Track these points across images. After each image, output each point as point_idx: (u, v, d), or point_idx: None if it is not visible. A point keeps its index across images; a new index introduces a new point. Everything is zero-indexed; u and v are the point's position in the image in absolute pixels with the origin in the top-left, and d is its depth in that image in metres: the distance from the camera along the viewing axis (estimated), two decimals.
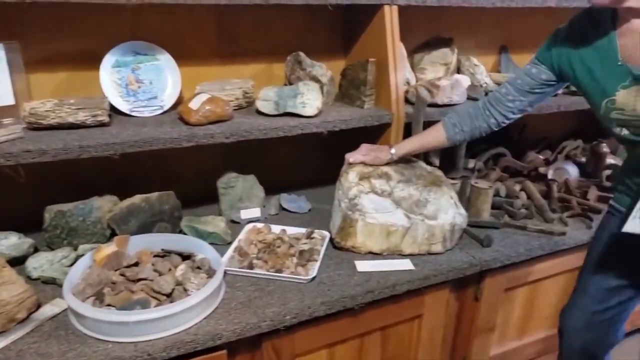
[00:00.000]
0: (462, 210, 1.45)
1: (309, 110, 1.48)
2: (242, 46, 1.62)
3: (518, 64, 2.06)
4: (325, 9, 1.48)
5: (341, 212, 1.40)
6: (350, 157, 1.46)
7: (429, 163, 1.73)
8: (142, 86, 1.45)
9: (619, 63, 1.10)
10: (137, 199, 1.43)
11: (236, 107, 1.53)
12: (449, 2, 1.59)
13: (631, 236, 1.10)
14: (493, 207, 1.65)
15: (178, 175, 1.63)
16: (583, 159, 2.06)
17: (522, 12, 1.94)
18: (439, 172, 1.54)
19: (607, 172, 1.92)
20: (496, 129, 1.38)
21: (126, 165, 1.39)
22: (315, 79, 1.58)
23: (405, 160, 1.52)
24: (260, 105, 1.50)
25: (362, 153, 1.46)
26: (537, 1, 1.75)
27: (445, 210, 1.41)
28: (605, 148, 1.99)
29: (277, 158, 1.77)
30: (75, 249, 1.35)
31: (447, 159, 1.68)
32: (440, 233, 1.40)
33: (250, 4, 1.34)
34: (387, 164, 1.47)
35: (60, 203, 1.37)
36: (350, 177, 1.42)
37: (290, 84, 1.63)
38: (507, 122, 1.37)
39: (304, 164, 1.83)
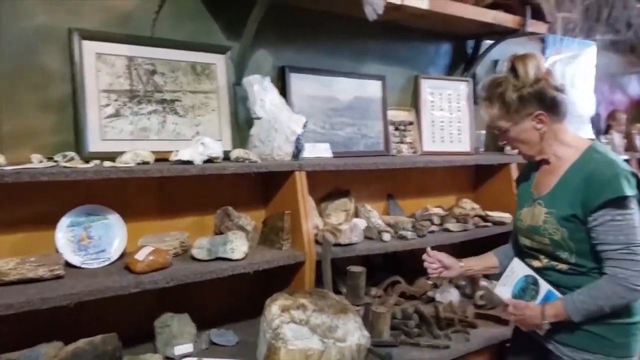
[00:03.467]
0: (366, 332, 1.76)
1: (238, 255, 1.79)
2: (179, 204, 1.95)
3: (403, 207, 2.56)
4: (249, 173, 1.88)
5: (266, 342, 1.66)
6: (446, 273, 1.82)
7: (338, 292, 2.07)
8: (92, 241, 1.70)
9: (530, 190, 1.62)
10: (81, 342, 1.59)
11: (174, 255, 1.81)
12: (345, 167, 2.07)
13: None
14: (392, 327, 1.98)
15: (118, 316, 1.81)
16: (462, 283, 2.50)
17: (403, 169, 2.49)
18: (346, 301, 1.87)
19: (480, 292, 2.36)
20: None
21: (72, 312, 1.56)
22: (241, 228, 1.93)
23: (317, 293, 1.85)
24: (196, 252, 1.79)
25: (452, 270, 1.81)
26: (409, 164, 2.30)
27: (352, 333, 1.72)
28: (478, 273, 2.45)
29: (207, 295, 2.01)
30: None
31: (351, 289, 2.03)
32: (349, 353, 1.69)
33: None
34: (303, 297, 1.79)
35: (7, 352, 1.51)
36: (273, 310, 1.70)
37: (220, 232, 1.95)
38: None
39: (232, 300, 2.08)
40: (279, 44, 2.18)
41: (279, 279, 2.00)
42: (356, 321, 1.77)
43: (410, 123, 2.63)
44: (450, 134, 2.70)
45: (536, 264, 1.57)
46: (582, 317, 1.41)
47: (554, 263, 1.51)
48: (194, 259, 1.79)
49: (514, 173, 2.67)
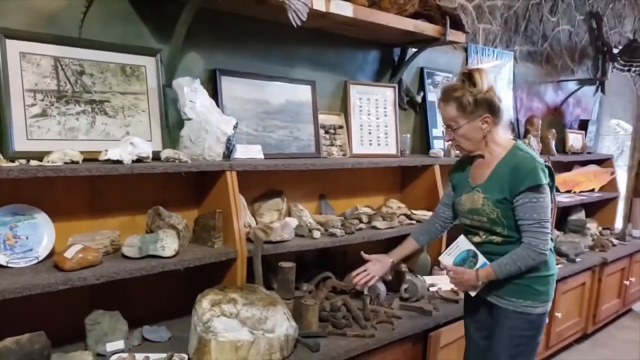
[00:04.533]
0: (294, 323, 1.85)
1: (168, 252, 1.83)
2: (110, 203, 1.97)
3: (334, 207, 2.68)
4: (180, 173, 1.93)
5: (197, 335, 1.71)
6: (370, 282, 2.12)
7: (270, 288, 2.15)
8: (19, 241, 1.69)
9: (468, 180, 1.95)
10: (7, 341, 1.58)
11: (105, 254, 1.82)
12: (275, 167, 2.16)
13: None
14: (321, 319, 2.08)
15: (48, 315, 1.79)
16: (389, 277, 2.64)
17: (334, 171, 2.61)
18: (276, 295, 1.96)
19: (405, 286, 2.50)
20: (443, 229, 2.19)
21: None
22: (172, 227, 1.97)
23: (248, 287, 1.92)
24: (126, 250, 1.82)
25: (372, 272, 2.11)
26: (338, 165, 2.42)
27: (281, 324, 1.80)
28: (404, 268, 2.61)
29: (141, 293, 2.03)
30: None
31: (282, 284, 2.12)
32: (277, 344, 1.77)
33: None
34: (234, 292, 1.85)
35: None
36: (203, 304, 1.76)
37: (152, 231, 1.98)
38: (447, 225, 2.18)
39: (165, 297, 2.11)
40: (209, 47, 2.24)
41: (211, 275, 2.05)
42: (285, 313, 1.85)
43: (340, 127, 2.75)
44: (377, 137, 2.85)
45: (476, 239, 1.93)
46: (505, 276, 1.82)
47: (491, 237, 1.88)
48: (124, 257, 1.81)
49: (438, 174, 2.85)
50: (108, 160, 1.75)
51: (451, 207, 2.12)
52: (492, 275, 1.83)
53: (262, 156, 2.31)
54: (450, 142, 1.91)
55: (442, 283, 2.69)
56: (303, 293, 2.28)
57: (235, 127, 2.10)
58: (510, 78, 3.97)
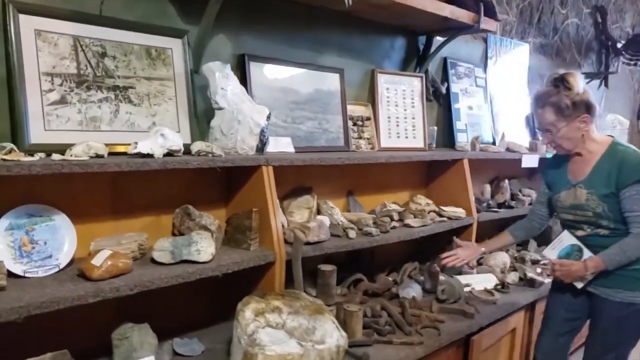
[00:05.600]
0: (344, 333, 1.68)
1: (204, 257, 1.64)
2: (134, 202, 1.76)
3: (362, 204, 2.52)
4: (211, 168, 1.73)
5: (241, 349, 1.53)
6: (457, 265, 2.26)
7: (308, 294, 1.97)
8: (37, 247, 1.48)
9: (567, 177, 1.99)
10: None
11: (132, 259, 1.62)
12: (310, 162, 1.98)
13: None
14: (363, 326, 1.92)
15: (70, 330, 1.59)
16: (421, 278, 2.50)
17: (362, 165, 2.44)
18: (319, 301, 1.78)
19: (442, 287, 2.36)
20: (541, 227, 2.21)
21: (15, 328, 1.34)
22: (204, 228, 1.77)
23: (289, 294, 1.74)
24: (157, 255, 1.62)
25: (462, 256, 2.21)
26: (371, 159, 2.25)
27: (330, 334, 1.63)
28: (436, 268, 2.46)
29: (168, 302, 1.83)
30: None
31: (322, 288, 1.95)
32: (328, 356, 1.60)
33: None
34: (276, 299, 1.67)
35: None
36: (246, 315, 1.57)
37: (181, 233, 1.78)
38: (544, 222, 2.20)
39: (195, 305, 1.91)
40: (238, 30, 2.04)
41: (245, 281, 1.87)
42: (333, 322, 1.68)
43: (368, 118, 2.58)
44: (405, 130, 2.70)
45: (580, 233, 1.97)
46: (614, 266, 1.86)
47: (597, 230, 1.92)
48: (154, 262, 1.62)
49: (467, 168, 2.72)
50: (138, 154, 1.55)
51: (546, 204, 2.14)
52: (601, 266, 1.87)
53: (292, 149, 2.12)
54: (549, 144, 1.99)
55: (475, 283, 2.56)
56: (340, 298, 2.11)
57: (268, 117, 1.92)
58: (524, 71, 3.85)
